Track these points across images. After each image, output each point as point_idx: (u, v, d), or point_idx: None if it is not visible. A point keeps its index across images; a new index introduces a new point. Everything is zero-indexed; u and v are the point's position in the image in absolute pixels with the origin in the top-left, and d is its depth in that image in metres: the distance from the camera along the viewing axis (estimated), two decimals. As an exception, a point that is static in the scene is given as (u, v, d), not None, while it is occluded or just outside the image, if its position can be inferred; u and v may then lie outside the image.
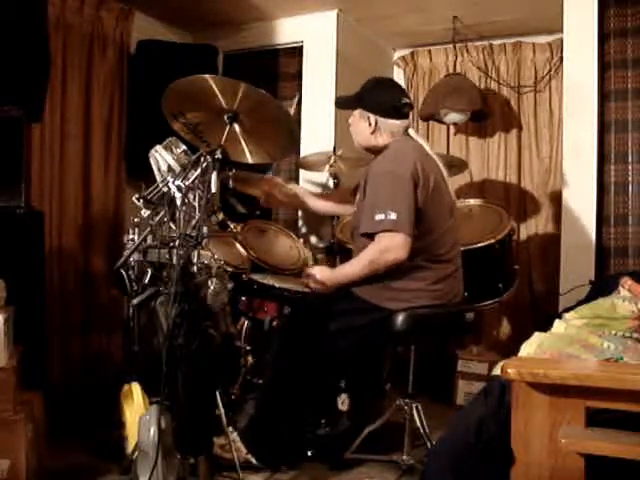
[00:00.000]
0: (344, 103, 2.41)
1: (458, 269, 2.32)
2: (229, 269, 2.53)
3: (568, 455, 1.25)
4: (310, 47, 3.85)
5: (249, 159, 2.49)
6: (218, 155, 2.06)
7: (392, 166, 2.18)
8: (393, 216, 2.08)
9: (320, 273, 2.26)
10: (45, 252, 2.62)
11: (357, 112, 2.33)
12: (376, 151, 2.34)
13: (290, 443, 2.33)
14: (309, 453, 2.37)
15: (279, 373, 2.28)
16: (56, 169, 3.22)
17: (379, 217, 2.10)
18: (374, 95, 2.31)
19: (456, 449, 1.42)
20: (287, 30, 3.91)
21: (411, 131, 2.34)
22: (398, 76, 4.35)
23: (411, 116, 2.41)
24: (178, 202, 1.89)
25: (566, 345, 1.61)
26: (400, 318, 2.18)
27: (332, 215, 3.14)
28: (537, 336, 1.74)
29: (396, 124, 2.29)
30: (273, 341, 2.38)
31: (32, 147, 2.99)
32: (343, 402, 2.46)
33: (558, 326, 1.86)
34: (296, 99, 2.59)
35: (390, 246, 2.11)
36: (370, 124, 2.28)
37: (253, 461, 2.22)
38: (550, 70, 3.86)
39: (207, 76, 2.13)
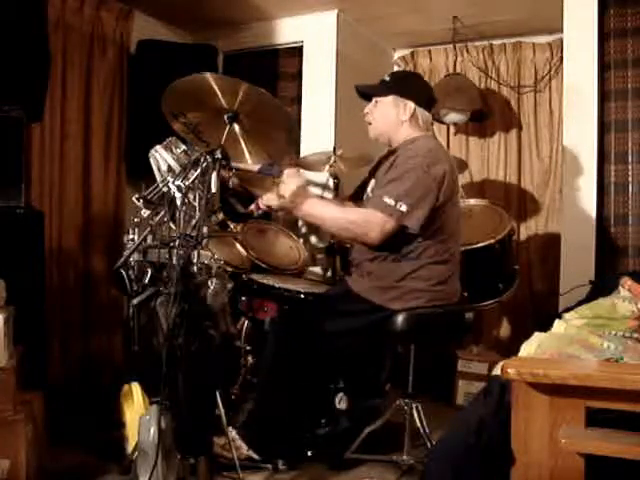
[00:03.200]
0: (372, 89, 2.37)
1: (457, 269, 2.33)
2: (229, 269, 2.53)
3: (568, 455, 1.25)
4: (310, 47, 3.85)
5: (249, 160, 2.49)
6: (218, 155, 2.06)
7: (427, 162, 2.16)
8: (403, 208, 2.08)
9: (298, 188, 2.18)
10: (45, 252, 2.62)
11: (390, 99, 2.31)
12: (394, 142, 2.34)
13: (289, 436, 2.33)
14: (309, 453, 2.37)
15: (277, 368, 2.28)
16: (56, 169, 3.22)
17: (388, 201, 2.09)
18: (411, 84, 2.35)
19: (456, 449, 1.42)
20: (287, 30, 3.91)
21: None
22: (398, 76, 4.35)
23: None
24: (178, 202, 1.88)
25: (566, 345, 1.60)
26: (400, 318, 2.18)
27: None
28: (537, 336, 1.74)
29: (428, 116, 2.34)
30: (271, 338, 2.37)
31: (32, 147, 3.00)
32: (341, 400, 2.45)
33: (558, 326, 1.85)
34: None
35: (375, 227, 2.10)
36: (406, 111, 2.29)
37: (254, 456, 2.22)
38: (550, 70, 3.85)
39: (207, 74, 2.13)
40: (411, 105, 2.29)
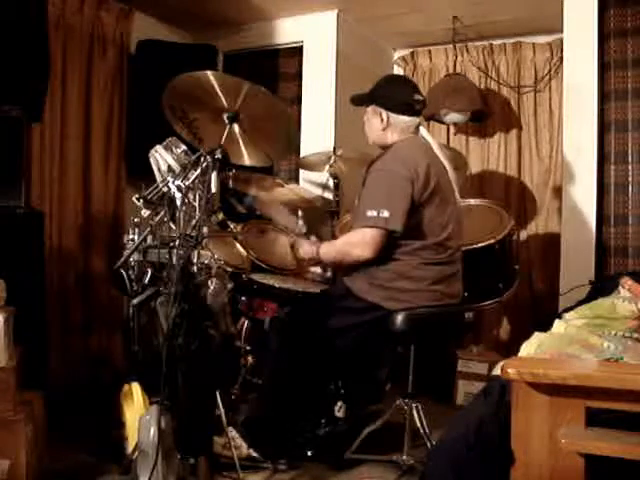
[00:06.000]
0: (359, 100, 2.41)
1: (458, 271, 2.32)
2: (229, 269, 2.53)
3: (568, 455, 1.25)
4: (310, 47, 3.85)
5: (246, 161, 2.49)
6: (218, 155, 2.06)
7: (392, 165, 2.18)
8: (386, 214, 2.09)
9: (305, 245, 2.33)
10: (45, 252, 2.62)
11: (370, 108, 2.33)
12: (386, 149, 2.34)
13: (290, 435, 2.33)
14: (309, 453, 2.37)
15: (278, 368, 2.28)
16: (56, 169, 3.22)
17: (370, 214, 2.11)
18: (387, 91, 2.33)
19: (456, 449, 1.42)
20: (287, 30, 3.91)
21: (422, 129, 2.34)
22: (398, 76, 4.36)
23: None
24: (178, 202, 1.89)
25: (566, 345, 1.61)
26: (399, 318, 2.17)
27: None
28: (537, 336, 1.73)
29: (407, 121, 2.29)
30: (272, 337, 2.37)
31: (32, 147, 3.00)
32: (339, 409, 2.46)
33: (558, 326, 1.85)
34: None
35: (359, 242, 2.14)
36: (382, 120, 2.28)
37: (255, 455, 2.22)
38: (550, 70, 3.85)
39: (209, 73, 2.12)
40: (384, 114, 2.28)
